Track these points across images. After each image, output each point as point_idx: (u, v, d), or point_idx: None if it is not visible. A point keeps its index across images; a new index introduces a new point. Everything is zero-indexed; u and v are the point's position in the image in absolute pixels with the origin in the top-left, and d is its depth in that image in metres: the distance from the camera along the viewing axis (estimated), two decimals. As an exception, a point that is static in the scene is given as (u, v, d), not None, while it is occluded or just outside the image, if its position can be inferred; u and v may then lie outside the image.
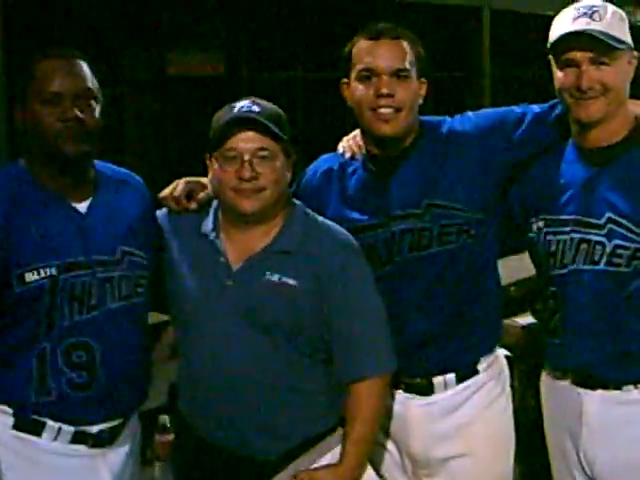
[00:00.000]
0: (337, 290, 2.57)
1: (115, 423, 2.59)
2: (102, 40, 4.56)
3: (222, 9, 5.34)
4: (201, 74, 5.76)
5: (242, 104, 2.57)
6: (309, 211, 2.69)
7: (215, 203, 2.68)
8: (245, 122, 2.52)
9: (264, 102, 2.60)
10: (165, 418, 2.92)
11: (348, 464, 2.57)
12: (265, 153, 2.53)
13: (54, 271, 2.46)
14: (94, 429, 2.55)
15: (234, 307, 2.56)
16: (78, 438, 2.53)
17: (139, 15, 4.95)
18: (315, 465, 2.61)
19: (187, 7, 5.12)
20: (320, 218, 2.68)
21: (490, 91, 7.69)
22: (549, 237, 2.72)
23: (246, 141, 2.52)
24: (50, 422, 2.51)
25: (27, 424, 2.50)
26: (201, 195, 2.71)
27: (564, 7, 2.69)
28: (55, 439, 2.52)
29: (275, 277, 2.55)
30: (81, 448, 2.54)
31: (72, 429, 2.52)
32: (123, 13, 4.75)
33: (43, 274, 2.45)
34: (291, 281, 2.55)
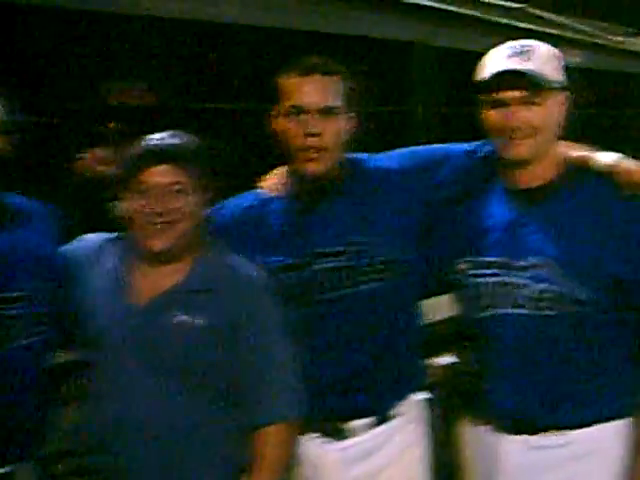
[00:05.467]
0: (247, 333, 2.52)
1: (8, 469, 2.44)
2: (36, 68, 4.46)
3: (155, 38, 5.30)
4: (135, 104, 5.68)
5: (157, 137, 2.50)
6: (224, 248, 2.62)
7: (125, 237, 2.60)
8: (159, 155, 2.46)
9: (181, 135, 2.54)
10: (62, 467, 2.82)
11: None
12: (177, 187, 2.47)
13: None
14: None
15: (140, 348, 2.48)
16: None
17: (72, 43, 4.86)
18: None
19: (121, 36, 5.05)
20: (235, 257, 2.61)
21: (425, 127, 7.72)
22: (474, 279, 2.68)
23: (158, 175, 2.46)
24: None
25: None
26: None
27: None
28: None
29: (184, 317, 2.48)
30: None
31: None
32: (57, 41, 4.66)
33: None
34: (200, 321, 2.48)
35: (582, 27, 11.30)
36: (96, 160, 2.81)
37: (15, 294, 2.44)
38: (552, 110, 2.58)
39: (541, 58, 2.57)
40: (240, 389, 2.55)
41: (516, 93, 2.54)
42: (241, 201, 2.87)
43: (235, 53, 5.76)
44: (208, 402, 2.51)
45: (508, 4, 9.12)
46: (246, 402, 2.55)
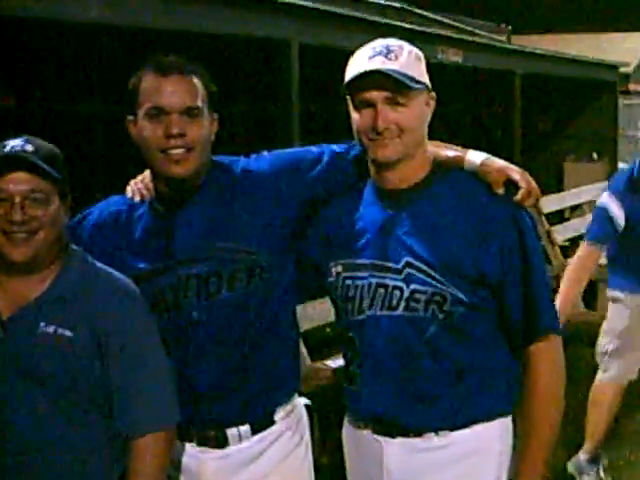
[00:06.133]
0: (114, 341, 2.47)
1: None
2: None
3: (11, 39, 5.16)
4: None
5: (14, 143, 2.42)
6: (87, 257, 2.56)
7: None
8: (16, 162, 2.39)
9: (38, 141, 2.46)
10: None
11: None
12: (38, 195, 2.40)
13: None
14: None
15: (6, 361, 2.42)
16: None
17: None
18: None
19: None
20: (99, 264, 2.56)
21: (299, 127, 7.70)
22: (347, 282, 2.65)
23: (17, 182, 2.39)
24: None
25: None
26: None
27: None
28: None
29: (50, 329, 2.43)
30: None
31: None
32: None
33: None
34: (67, 332, 2.43)
35: (461, 25, 11.48)
36: None
37: None
38: (418, 110, 2.57)
39: (405, 58, 2.55)
40: (111, 399, 2.50)
41: (382, 93, 2.51)
42: (108, 206, 2.81)
43: (92, 53, 5.67)
44: (78, 412, 2.47)
45: (388, 3, 9.20)
46: (118, 412, 2.51)
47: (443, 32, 10.62)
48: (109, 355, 2.47)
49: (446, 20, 10.87)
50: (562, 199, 12.06)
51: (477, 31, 11.81)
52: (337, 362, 4.79)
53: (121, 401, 2.50)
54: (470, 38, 11.25)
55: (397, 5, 9.22)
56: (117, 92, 5.85)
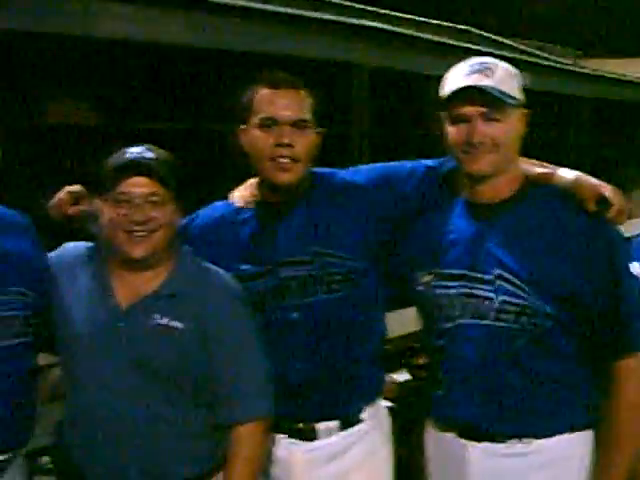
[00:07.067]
0: (219, 335, 2.65)
1: (5, 457, 2.58)
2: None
3: (93, 57, 5.30)
4: (79, 123, 5.66)
5: (135, 150, 2.62)
6: (195, 257, 2.75)
7: (104, 244, 2.70)
8: (138, 167, 2.58)
9: (156, 149, 2.65)
10: (47, 459, 2.89)
11: None
12: (156, 198, 2.59)
13: None
14: None
15: (123, 349, 2.60)
16: None
17: (13, 62, 4.83)
18: None
19: (61, 54, 5.03)
20: (206, 264, 2.74)
21: (369, 150, 7.74)
22: (438, 291, 2.72)
23: (139, 186, 2.58)
24: None
25: None
26: (84, 206, 2.82)
27: (448, 68, 2.70)
28: None
29: (164, 320, 2.61)
30: None
31: None
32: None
33: None
34: (178, 324, 2.61)
35: (528, 49, 11.45)
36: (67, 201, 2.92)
37: (6, 297, 2.56)
38: (512, 126, 2.63)
39: (501, 75, 2.63)
40: (215, 388, 2.67)
41: (478, 109, 2.59)
42: (212, 211, 2.97)
43: (175, 73, 5.79)
44: (183, 400, 2.64)
45: (453, 25, 9.22)
46: (221, 401, 2.68)
47: (512, 55, 10.60)
48: (214, 347, 2.64)
49: (515, 44, 10.85)
50: (631, 226, 11.90)
51: (545, 55, 11.76)
52: (402, 376, 4.82)
53: (223, 391, 2.67)
54: (541, 62, 11.22)
55: (465, 28, 9.23)
56: (196, 111, 5.97)
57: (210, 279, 2.70)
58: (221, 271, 2.74)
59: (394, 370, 5.61)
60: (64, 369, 2.70)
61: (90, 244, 2.78)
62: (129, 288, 2.65)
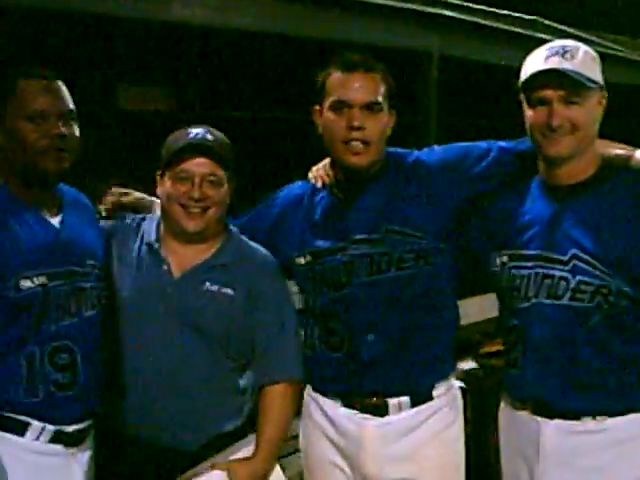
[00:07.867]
0: (262, 303, 2.86)
1: (86, 424, 2.71)
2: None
3: (174, 44, 5.38)
4: (153, 109, 5.75)
5: (197, 131, 2.82)
6: (242, 236, 2.96)
7: (158, 215, 2.92)
8: (200, 149, 2.78)
9: (216, 132, 2.84)
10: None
11: (259, 458, 2.85)
12: (214, 178, 2.79)
13: (45, 279, 2.59)
14: (70, 429, 2.65)
15: (173, 311, 2.79)
16: (56, 437, 2.63)
17: (89, 46, 4.93)
18: (231, 457, 2.85)
19: (139, 41, 5.12)
20: (251, 242, 2.95)
21: (436, 138, 7.73)
22: (513, 271, 2.76)
23: (199, 166, 2.78)
24: (35, 422, 2.59)
25: (13, 424, 2.57)
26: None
27: (517, 58, 2.74)
28: (37, 438, 2.61)
29: (215, 287, 2.82)
30: (58, 447, 2.64)
31: (53, 428, 2.61)
32: (72, 43, 4.72)
33: (36, 282, 2.57)
34: (229, 291, 2.83)
35: (597, 39, 11.34)
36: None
37: (87, 270, 2.70)
38: (591, 109, 2.67)
39: (581, 59, 2.66)
40: (254, 350, 2.88)
41: (557, 92, 2.62)
42: (292, 190, 3.08)
43: (249, 60, 5.86)
44: (225, 359, 2.85)
45: (520, 15, 9.14)
46: (257, 362, 2.89)
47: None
48: (258, 313, 2.85)
49: (584, 35, 10.75)
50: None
51: (615, 46, 11.62)
52: (468, 365, 4.83)
53: (261, 353, 2.87)
54: (610, 52, 11.10)
55: (536, 19, 9.16)
56: (271, 99, 6.04)
57: (255, 254, 2.92)
58: (262, 248, 2.94)
59: (460, 359, 5.62)
60: (112, 336, 2.82)
61: (146, 215, 3.00)
62: (182, 258, 2.85)
